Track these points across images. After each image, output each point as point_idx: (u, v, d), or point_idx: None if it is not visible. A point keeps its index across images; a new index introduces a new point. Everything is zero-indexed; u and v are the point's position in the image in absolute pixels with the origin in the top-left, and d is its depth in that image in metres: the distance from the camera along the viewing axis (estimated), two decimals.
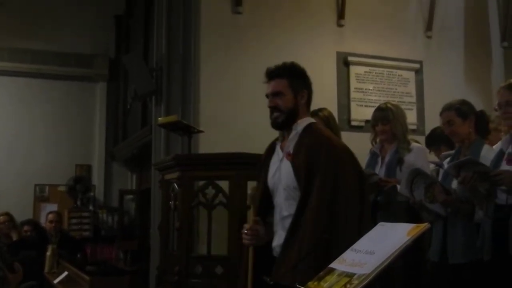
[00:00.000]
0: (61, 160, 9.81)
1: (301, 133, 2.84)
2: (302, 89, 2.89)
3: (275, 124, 2.90)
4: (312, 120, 2.96)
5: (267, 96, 2.94)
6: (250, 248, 2.86)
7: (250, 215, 2.94)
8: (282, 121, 2.86)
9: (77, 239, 8.12)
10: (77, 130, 10.01)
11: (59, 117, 9.92)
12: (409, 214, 3.73)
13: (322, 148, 2.75)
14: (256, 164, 3.14)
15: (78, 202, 9.68)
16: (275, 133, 3.04)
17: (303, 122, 2.87)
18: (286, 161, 2.85)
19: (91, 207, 9.82)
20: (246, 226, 2.87)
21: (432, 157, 4.55)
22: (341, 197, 2.66)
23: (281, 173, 2.86)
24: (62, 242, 6.49)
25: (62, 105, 9.96)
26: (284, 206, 2.82)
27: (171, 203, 4.74)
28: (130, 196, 9.28)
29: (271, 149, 3.00)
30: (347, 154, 2.81)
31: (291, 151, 2.83)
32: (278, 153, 2.93)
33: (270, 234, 2.91)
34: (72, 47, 9.93)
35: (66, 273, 5.56)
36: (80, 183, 9.70)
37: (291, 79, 2.87)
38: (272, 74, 2.89)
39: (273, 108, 2.88)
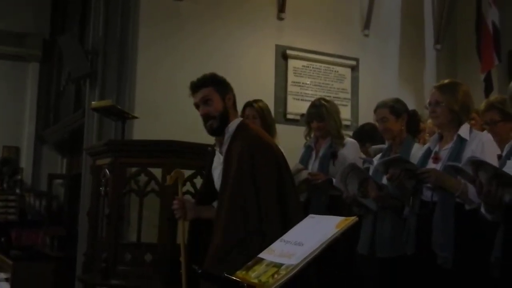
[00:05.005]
0: None
1: (232, 134, 3.01)
2: (228, 92, 3.08)
3: (211, 131, 3.07)
4: (240, 119, 3.13)
5: (196, 106, 3.08)
6: (180, 222, 3.11)
7: (180, 188, 3.22)
8: (218, 126, 3.03)
9: (2, 223, 7.87)
10: (6, 111, 9.64)
11: None
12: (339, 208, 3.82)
13: (246, 145, 2.92)
14: (189, 153, 3.53)
15: (5, 185, 9.37)
16: None
17: (233, 124, 3.04)
18: None
19: (18, 191, 9.51)
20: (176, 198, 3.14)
21: None
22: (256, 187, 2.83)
23: None
24: None
25: None
26: None
27: (102, 189, 4.65)
28: (60, 181, 9.05)
29: (211, 155, 3.18)
30: (270, 151, 2.97)
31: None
32: (219, 157, 3.09)
33: (203, 212, 3.13)
34: (4, 24, 9.54)
35: None
36: (7, 165, 9.38)
37: (216, 86, 3.07)
38: (198, 84, 3.07)
39: (205, 116, 3.04)
